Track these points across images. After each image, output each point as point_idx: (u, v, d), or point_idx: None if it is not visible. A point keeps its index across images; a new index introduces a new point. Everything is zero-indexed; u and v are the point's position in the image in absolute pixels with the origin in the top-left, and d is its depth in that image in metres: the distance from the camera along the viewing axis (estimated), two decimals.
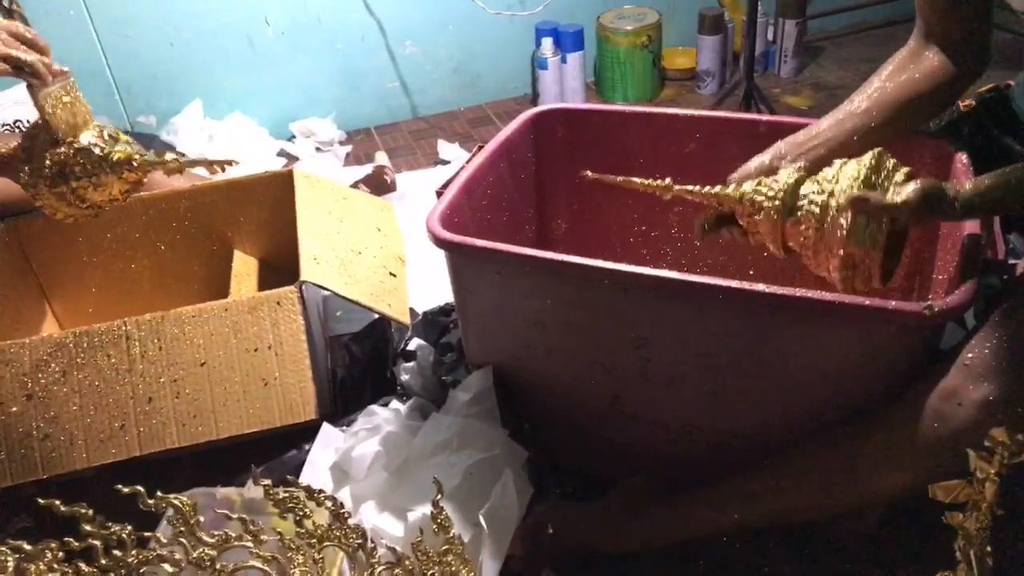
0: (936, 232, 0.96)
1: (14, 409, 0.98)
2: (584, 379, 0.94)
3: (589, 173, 0.95)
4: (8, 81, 1.86)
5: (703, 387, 0.88)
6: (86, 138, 1.00)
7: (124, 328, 1.01)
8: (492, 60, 2.27)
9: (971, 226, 0.82)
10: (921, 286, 1.03)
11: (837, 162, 0.79)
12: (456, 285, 0.98)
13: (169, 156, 1.02)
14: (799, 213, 0.79)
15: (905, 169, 0.78)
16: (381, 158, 1.96)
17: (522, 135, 1.19)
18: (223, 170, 1.00)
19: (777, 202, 0.80)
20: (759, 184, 0.82)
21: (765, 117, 1.20)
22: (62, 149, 0.99)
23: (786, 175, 0.81)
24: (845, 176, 0.77)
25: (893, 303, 0.73)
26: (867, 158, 0.78)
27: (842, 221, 0.75)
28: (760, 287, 0.77)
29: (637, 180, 0.90)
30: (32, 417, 0.98)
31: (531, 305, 0.92)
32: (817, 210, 0.77)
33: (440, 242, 0.91)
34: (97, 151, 1.00)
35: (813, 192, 0.78)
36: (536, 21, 2.19)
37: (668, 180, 0.89)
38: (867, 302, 0.74)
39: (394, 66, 2.21)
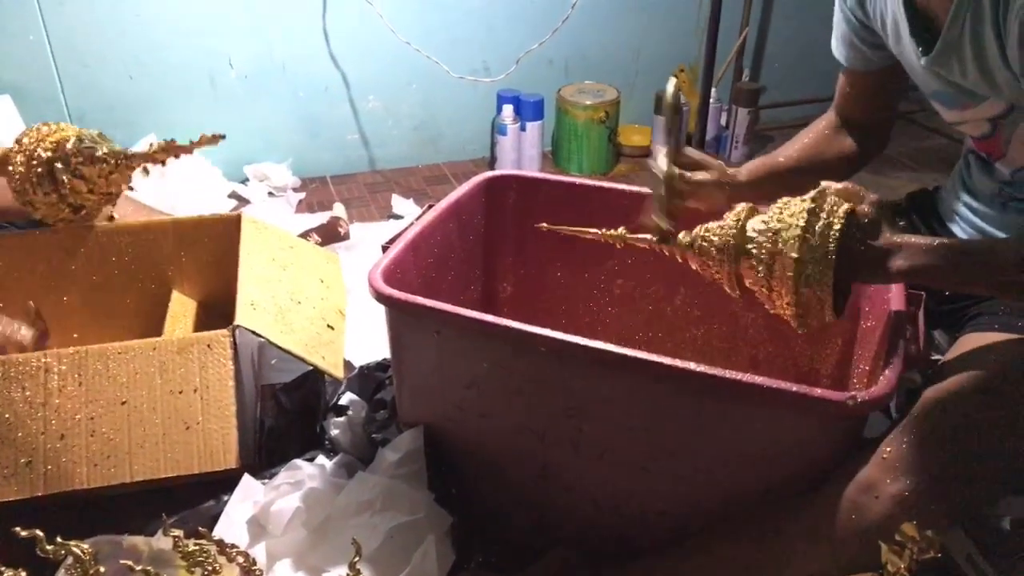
0: (862, 323, 0.98)
1: None
2: (515, 446, 0.94)
3: (545, 225, 0.98)
4: None
5: (633, 461, 0.88)
6: (72, 140, 1.14)
7: (43, 360, 0.97)
8: (453, 121, 2.31)
9: (896, 318, 0.85)
10: (850, 375, 1.06)
11: (781, 200, 0.79)
12: (393, 341, 0.97)
13: (154, 144, 1.16)
14: (750, 252, 0.78)
15: (846, 205, 0.77)
16: (339, 210, 1.96)
17: (473, 197, 1.21)
18: (216, 143, 1.14)
19: (729, 244, 0.79)
20: (706, 230, 0.82)
21: None
22: (49, 152, 1.12)
23: (733, 216, 0.81)
24: (788, 213, 0.76)
25: (818, 391, 0.75)
26: (809, 196, 0.77)
27: (790, 259, 0.74)
28: (691, 365, 0.78)
29: (591, 230, 0.91)
30: None
31: (467, 367, 0.92)
32: (765, 252, 0.76)
33: (380, 296, 0.90)
34: (85, 146, 1.13)
35: (759, 231, 0.77)
36: (499, 88, 2.23)
37: (621, 229, 0.89)
38: (793, 388, 0.76)
39: (355, 118, 2.22)
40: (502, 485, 0.98)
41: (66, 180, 1.12)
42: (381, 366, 1.25)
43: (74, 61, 1.92)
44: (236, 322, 1.01)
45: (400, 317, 0.94)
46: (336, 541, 0.91)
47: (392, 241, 1.03)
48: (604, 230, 0.90)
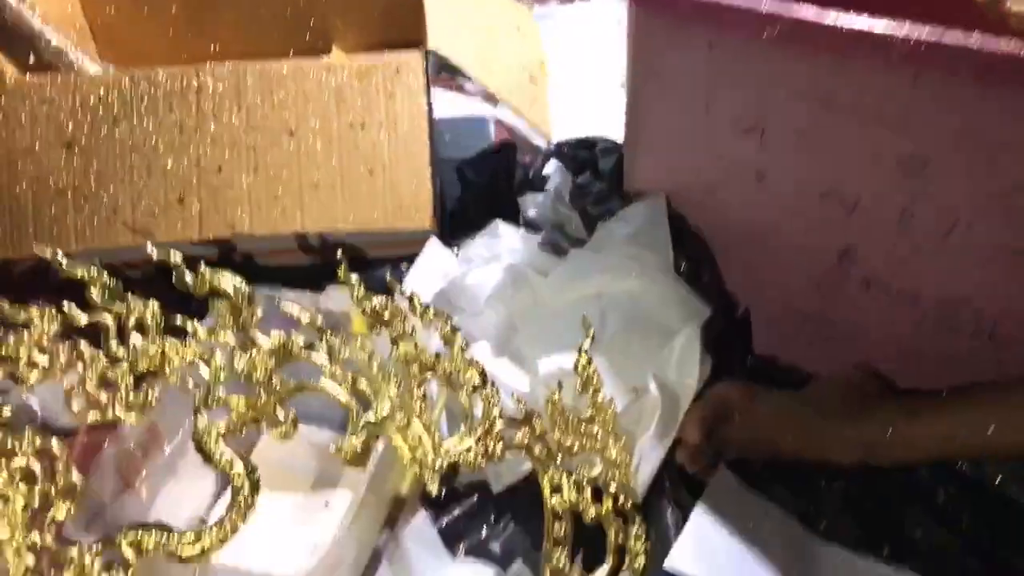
0: None
1: (48, 159, 0.76)
2: (806, 219, 0.67)
3: None
4: None
5: (1000, 244, 0.59)
6: None
7: (197, 77, 0.78)
8: None
9: None
10: None
11: None
12: (638, 68, 0.70)
13: None
14: None
15: None
16: None
17: None
18: None
19: None
20: None
21: None
22: None
23: None
24: None
25: None
26: None
27: None
28: None
29: None
30: (70, 172, 0.77)
31: (751, 100, 0.64)
32: None
33: None
34: None
35: None
36: None
37: None
38: None
39: None
40: (778, 276, 0.71)
41: None
42: (583, 143, 0.99)
43: None
44: (430, 46, 0.79)
45: (657, 26, 0.66)
46: (550, 326, 0.68)
47: None
48: None
